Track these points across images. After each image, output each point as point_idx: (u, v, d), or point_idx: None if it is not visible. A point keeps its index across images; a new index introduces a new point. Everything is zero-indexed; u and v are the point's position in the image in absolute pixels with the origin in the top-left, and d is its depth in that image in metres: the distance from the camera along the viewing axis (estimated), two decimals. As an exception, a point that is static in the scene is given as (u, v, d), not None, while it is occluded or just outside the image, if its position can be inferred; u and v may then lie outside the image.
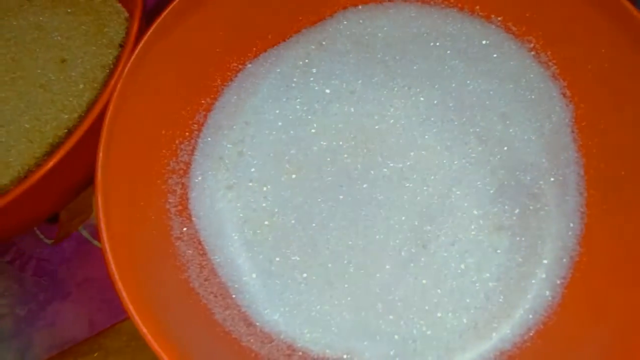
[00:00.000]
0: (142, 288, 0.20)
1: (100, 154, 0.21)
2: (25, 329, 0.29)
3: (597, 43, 0.24)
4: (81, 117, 0.26)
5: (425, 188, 0.24)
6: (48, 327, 0.29)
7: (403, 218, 0.24)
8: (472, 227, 0.24)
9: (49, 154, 0.25)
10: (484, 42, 0.26)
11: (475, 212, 0.24)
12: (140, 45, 0.23)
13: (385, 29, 0.28)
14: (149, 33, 0.24)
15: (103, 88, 0.26)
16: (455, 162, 0.24)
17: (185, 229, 0.25)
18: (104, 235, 0.20)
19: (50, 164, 0.22)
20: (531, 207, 0.24)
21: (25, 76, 0.26)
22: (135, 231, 0.22)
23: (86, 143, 0.23)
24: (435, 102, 0.25)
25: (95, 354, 0.28)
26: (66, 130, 0.25)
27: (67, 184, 0.25)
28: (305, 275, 0.25)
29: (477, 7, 0.27)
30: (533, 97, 0.25)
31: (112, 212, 0.21)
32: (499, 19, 0.27)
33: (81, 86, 0.26)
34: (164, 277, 0.22)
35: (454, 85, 0.26)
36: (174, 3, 0.24)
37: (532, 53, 0.26)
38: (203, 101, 0.27)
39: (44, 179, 0.22)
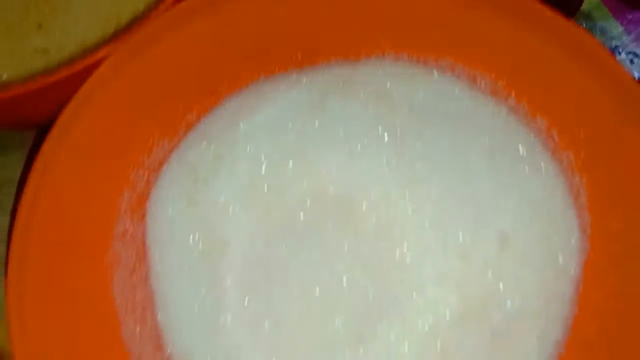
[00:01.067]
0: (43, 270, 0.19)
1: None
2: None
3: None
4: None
5: (384, 280, 0.22)
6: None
7: (351, 303, 0.22)
8: (413, 346, 0.21)
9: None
10: (520, 150, 0.23)
11: (420, 332, 0.21)
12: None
13: (420, 95, 0.25)
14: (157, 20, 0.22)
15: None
16: (425, 270, 0.22)
17: (132, 227, 0.24)
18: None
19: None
20: (491, 346, 0.21)
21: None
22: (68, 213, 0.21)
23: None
24: (435, 194, 0.22)
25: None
26: None
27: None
28: (233, 318, 0.23)
29: (537, 110, 0.23)
30: (546, 229, 0.22)
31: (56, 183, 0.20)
32: (545, 122, 0.23)
33: None
34: (77, 275, 0.21)
35: (465, 185, 0.23)
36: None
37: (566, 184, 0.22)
38: (202, 102, 0.25)
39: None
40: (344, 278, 0.22)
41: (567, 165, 0.22)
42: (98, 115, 0.22)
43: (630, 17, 0.29)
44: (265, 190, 0.24)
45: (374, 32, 0.25)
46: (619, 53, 0.29)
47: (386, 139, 0.24)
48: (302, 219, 0.23)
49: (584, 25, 0.29)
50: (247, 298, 0.23)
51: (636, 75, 0.28)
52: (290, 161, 0.24)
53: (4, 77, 0.24)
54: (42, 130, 0.21)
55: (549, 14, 0.22)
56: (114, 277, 0.23)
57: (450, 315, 0.21)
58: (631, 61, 0.28)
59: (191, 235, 0.24)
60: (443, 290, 0.21)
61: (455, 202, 0.22)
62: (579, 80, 0.22)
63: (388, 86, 0.25)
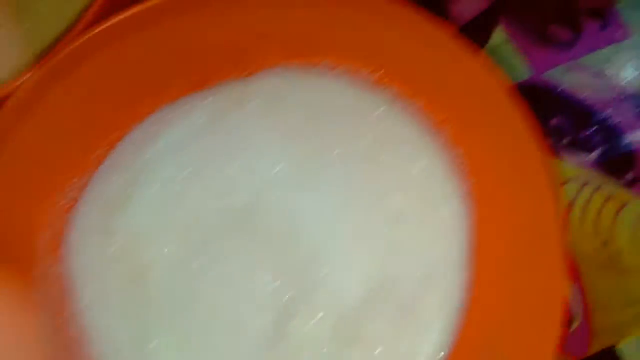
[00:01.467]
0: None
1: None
2: None
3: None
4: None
5: (294, 278, 0.23)
6: None
7: (268, 306, 0.23)
8: (327, 335, 0.22)
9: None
10: (402, 133, 0.25)
11: (332, 320, 0.23)
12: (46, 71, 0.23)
13: (310, 96, 0.26)
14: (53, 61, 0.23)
15: None
16: (331, 260, 0.23)
17: (52, 267, 0.24)
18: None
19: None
20: (399, 322, 0.22)
21: None
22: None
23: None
24: (332, 186, 0.24)
25: None
26: None
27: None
28: (161, 341, 0.24)
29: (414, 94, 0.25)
30: (435, 199, 0.24)
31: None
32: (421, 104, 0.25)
33: None
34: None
35: (358, 172, 0.24)
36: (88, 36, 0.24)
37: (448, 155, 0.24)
38: (108, 136, 0.26)
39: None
40: (259, 283, 0.24)
41: (446, 139, 0.25)
42: (6, 161, 0.23)
43: (538, 55, 0.27)
44: (178, 210, 0.25)
45: (260, 49, 0.27)
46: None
47: (283, 142, 0.25)
48: (213, 232, 0.25)
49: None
50: (173, 319, 0.24)
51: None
52: (197, 179, 0.25)
53: None
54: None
55: (407, 10, 0.24)
56: (40, 320, 0.23)
57: (358, 299, 0.23)
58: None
59: (113, 266, 0.25)
60: (350, 276, 0.23)
61: (351, 190, 0.24)
62: (440, 64, 0.24)
63: (280, 93, 0.26)
